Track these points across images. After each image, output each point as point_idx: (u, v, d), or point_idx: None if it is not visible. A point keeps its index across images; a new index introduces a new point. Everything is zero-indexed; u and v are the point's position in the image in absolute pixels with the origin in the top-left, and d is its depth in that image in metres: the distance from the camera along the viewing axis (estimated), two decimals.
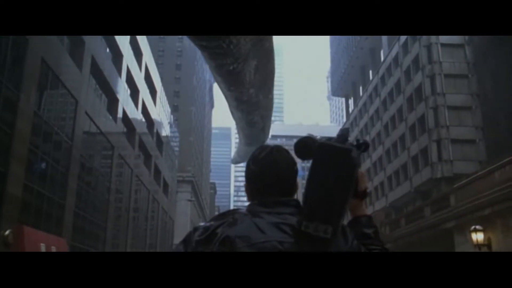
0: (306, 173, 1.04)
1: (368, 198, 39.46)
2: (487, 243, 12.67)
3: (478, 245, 12.31)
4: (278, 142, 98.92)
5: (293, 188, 1.13)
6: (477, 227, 12.47)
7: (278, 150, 1.14)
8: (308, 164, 1.05)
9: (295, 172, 1.13)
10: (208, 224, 1.08)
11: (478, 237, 12.40)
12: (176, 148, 43.06)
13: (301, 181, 0.96)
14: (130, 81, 23.55)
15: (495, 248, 12.66)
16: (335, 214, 0.99)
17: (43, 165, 13.09)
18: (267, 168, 1.10)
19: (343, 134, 1.05)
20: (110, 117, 20.21)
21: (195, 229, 1.09)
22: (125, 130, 22.97)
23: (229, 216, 1.07)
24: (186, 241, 1.08)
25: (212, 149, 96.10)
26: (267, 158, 1.11)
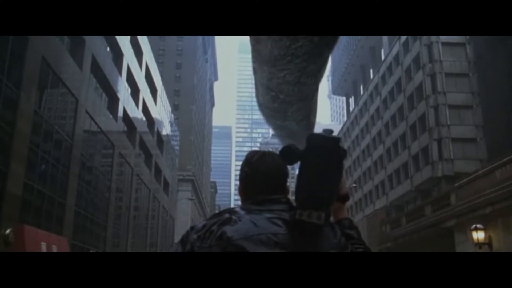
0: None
1: (369, 196, 39.51)
2: (488, 241, 12.67)
3: (478, 243, 12.33)
4: (278, 141, 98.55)
5: (284, 189, 1.18)
6: (478, 225, 12.47)
7: (270, 154, 1.21)
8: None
9: (285, 174, 1.19)
10: (204, 223, 1.11)
11: (478, 235, 12.42)
12: (177, 147, 43.07)
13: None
14: (131, 80, 23.54)
15: (495, 246, 12.65)
16: (326, 200, 1.05)
17: (43, 167, 13.09)
18: (259, 170, 1.17)
19: (329, 130, 1.11)
20: (111, 116, 20.21)
21: (192, 228, 1.12)
22: (125, 129, 22.97)
23: (224, 214, 1.11)
24: (183, 240, 1.11)
25: (212, 148, 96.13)
26: (259, 160, 1.18)
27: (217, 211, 1.23)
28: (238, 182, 1.23)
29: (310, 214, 1.02)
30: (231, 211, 1.12)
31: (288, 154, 1.15)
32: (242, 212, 1.10)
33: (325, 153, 1.05)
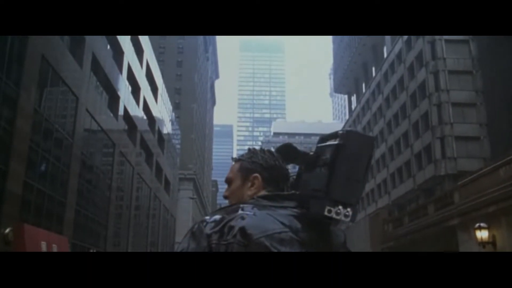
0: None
1: (371, 195, 39.41)
2: (492, 240, 12.54)
3: (482, 243, 12.23)
4: (280, 139, 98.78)
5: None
6: (482, 224, 12.35)
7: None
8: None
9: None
10: (218, 216, 1.06)
11: (482, 234, 12.30)
12: (178, 146, 43.02)
13: None
14: (131, 78, 23.45)
15: (499, 246, 12.53)
16: (356, 198, 1.06)
17: (43, 166, 13.03)
18: (282, 164, 1.21)
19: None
20: (111, 115, 20.13)
21: (204, 222, 1.06)
22: (126, 127, 22.89)
23: (239, 210, 1.06)
24: (195, 235, 1.04)
25: (213, 146, 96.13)
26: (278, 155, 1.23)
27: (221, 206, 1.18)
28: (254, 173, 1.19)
29: (339, 210, 1.02)
30: (244, 207, 1.07)
31: (289, 153, 1.17)
32: (256, 208, 1.07)
33: (360, 150, 1.06)
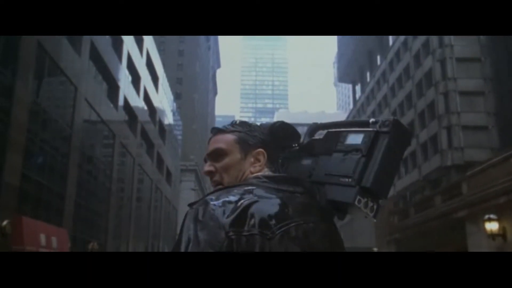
0: None
1: None
2: (502, 233, 12.28)
3: (492, 235, 12.03)
4: None
5: None
6: (491, 216, 12.14)
7: None
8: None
9: None
10: (231, 199, 0.89)
11: (492, 226, 12.10)
12: (179, 137, 42.82)
13: None
14: (131, 67, 23.04)
15: (510, 238, 12.28)
16: (387, 191, 0.98)
17: (41, 157, 12.81)
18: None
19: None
20: (111, 105, 19.81)
21: (212, 205, 0.88)
22: (126, 118, 22.60)
23: (250, 192, 0.92)
24: (206, 223, 0.86)
25: None
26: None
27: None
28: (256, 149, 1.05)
29: (366, 203, 0.94)
30: (253, 189, 0.93)
31: (289, 134, 1.08)
32: (269, 191, 0.94)
33: (401, 143, 0.99)
